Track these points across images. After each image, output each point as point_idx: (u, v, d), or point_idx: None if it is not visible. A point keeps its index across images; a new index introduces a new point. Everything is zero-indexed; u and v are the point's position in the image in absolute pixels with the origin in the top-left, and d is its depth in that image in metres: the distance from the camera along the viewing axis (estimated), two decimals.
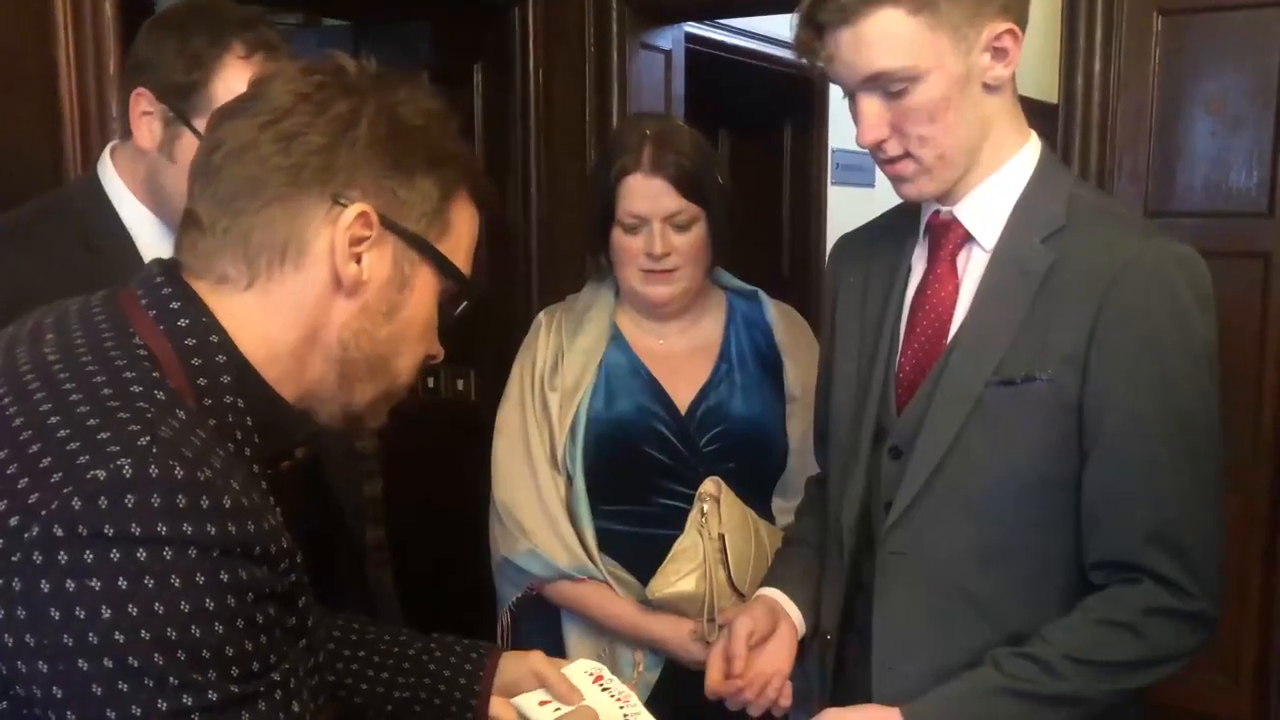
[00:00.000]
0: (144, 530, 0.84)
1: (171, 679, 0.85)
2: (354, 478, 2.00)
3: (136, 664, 0.84)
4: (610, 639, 1.96)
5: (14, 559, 0.84)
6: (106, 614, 0.83)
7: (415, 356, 1.09)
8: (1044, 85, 2.82)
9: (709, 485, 1.88)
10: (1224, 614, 1.38)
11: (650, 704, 1.87)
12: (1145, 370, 1.32)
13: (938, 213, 1.46)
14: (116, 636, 0.83)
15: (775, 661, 1.56)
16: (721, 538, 1.85)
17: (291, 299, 1.01)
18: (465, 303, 1.11)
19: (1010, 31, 1.35)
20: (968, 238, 1.44)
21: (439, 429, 3.37)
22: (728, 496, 1.87)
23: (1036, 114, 1.67)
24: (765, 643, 1.57)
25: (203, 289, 1.01)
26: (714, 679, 1.55)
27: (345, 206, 0.99)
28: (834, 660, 1.58)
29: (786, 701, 1.56)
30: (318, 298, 1.01)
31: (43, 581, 0.83)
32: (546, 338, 2.05)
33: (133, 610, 0.83)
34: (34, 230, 1.58)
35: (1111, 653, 1.33)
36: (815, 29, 1.36)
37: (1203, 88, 2.52)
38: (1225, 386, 1.40)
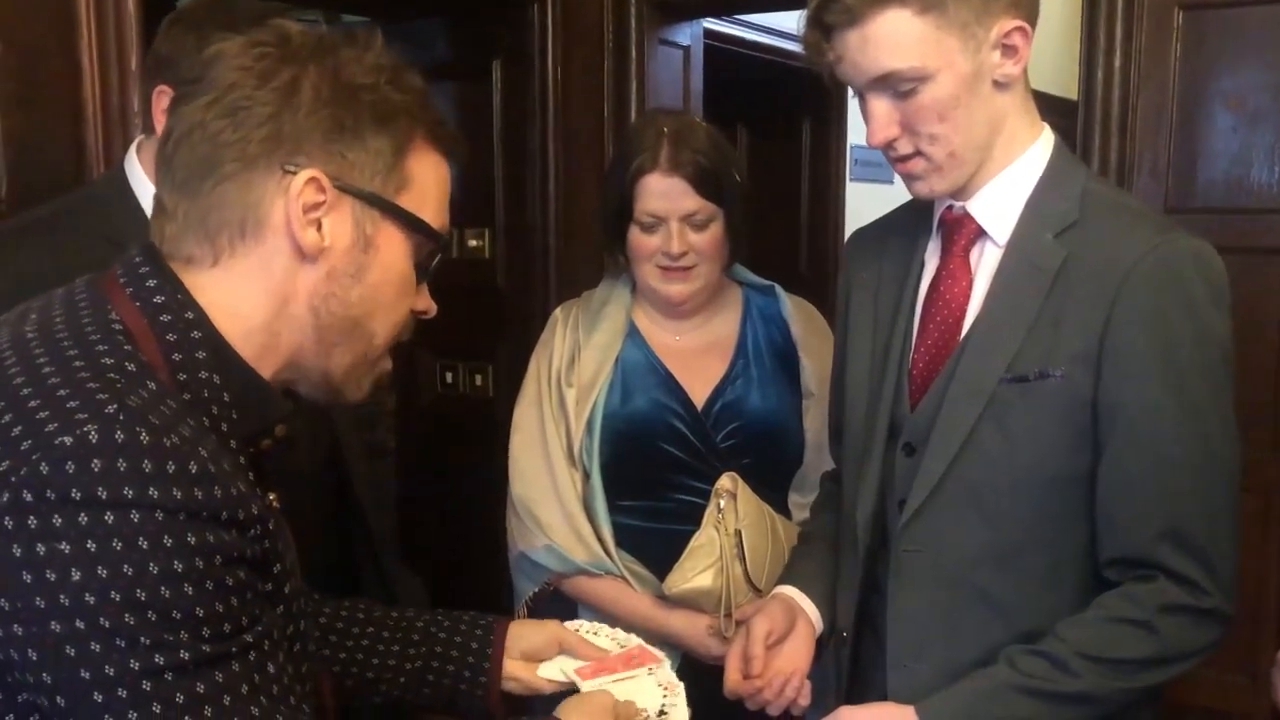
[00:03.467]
0: (110, 494, 0.85)
1: (143, 639, 0.87)
2: (376, 472, 2.02)
3: (108, 625, 0.86)
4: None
5: None
6: (77, 576, 0.85)
7: (391, 315, 1.09)
8: (1064, 81, 2.82)
9: (725, 481, 1.88)
10: (1237, 612, 1.37)
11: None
12: (1158, 366, 1.32)
13: (951, 208, 1.46)
14: (87, 598, 0.85)
15: (793, 661, 1.55)
16: (738, 533, 1.85)
17: (257, 272, 1.02)
18: (439, 256, 1.10)
19: (1020, 28, 1.34)
20: (981, 233, 1.44)
21: (457, 424, 3.39)
22: (744, 492, 1.87)
23: (1057, 110, 1.66)
24: (783, 642, 1.57)
25: (177, 270, 1.03)
26: (732, 679, 1.54)
27: (294, 174, 0.99)
28: (849, 657, 1.58)
29: (805, 701, 1.55)
30: (283, 269, 1.02)
31: (14, 546, 0.85)
32: (563, 334, 2.06)
33: (102, 572, 0.85)
34: (59, 225, 1.59)
35: (1126, 650, 1.33)
36: (823, 30, 1.36)
37: (1223, 84, 2.51)
38: (1244, 383, 1.40)
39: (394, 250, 1.06)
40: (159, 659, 0.87)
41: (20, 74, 1.93)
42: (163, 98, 1.55)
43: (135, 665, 0.87)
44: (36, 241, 1.56)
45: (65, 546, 0.85)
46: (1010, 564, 1.39)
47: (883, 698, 1.45)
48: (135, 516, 0.86)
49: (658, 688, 1.36)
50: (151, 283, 1.01)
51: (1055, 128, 1.47)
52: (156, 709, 0.88)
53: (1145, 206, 1.54)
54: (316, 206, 1.01)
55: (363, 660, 1.37)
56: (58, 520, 0.85)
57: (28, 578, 0.85)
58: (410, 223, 1.06)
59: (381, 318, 1.08)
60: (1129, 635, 1.33)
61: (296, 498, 1.75)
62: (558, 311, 2.12)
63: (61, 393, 0.90)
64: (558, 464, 1.98)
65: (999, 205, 1.42)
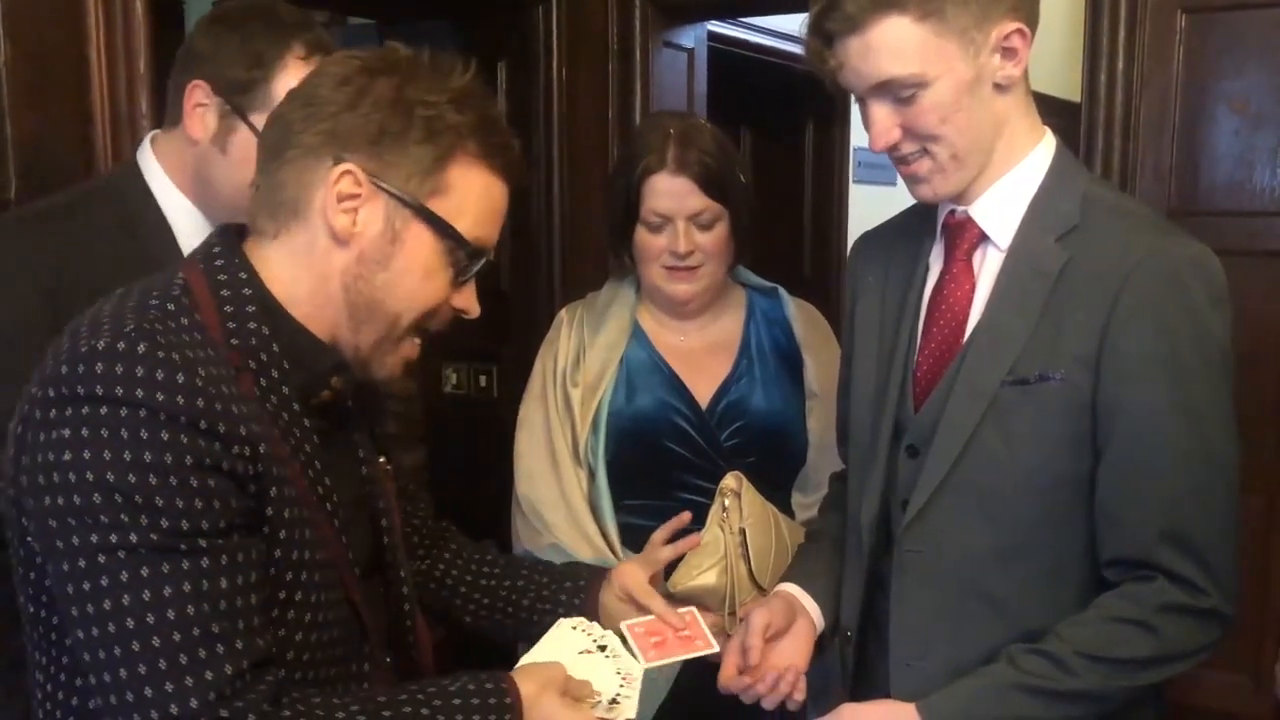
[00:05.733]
0: (106, 390, 1.01)
1: (102, 517, 1.01)
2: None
3: (78, 501, 1.01)
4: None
5: (30, 418, 1.05)
6: (67, 456, 1.01)
7: (414, 303, 1.19)
8: (1067, 83, 2.82)
9: (730, 480, 1.88)
10: (1238, 612, 1.38)
11: (669, 697, 1.89)
12: (1158, 369, 1.33)
13: (953, 212, 1.47)
14: (71, 476, 1.01)
15: (789, 656, 1.56)
16: (742, 532, 1.86)
17: (303, 248, 1.16)
18: (473, 262, 1.20)
19: (1019, 31, 1.36)
20: (983, 237, 1.45)
21: (461, 424, 3.40)
22: (749, 491, 1.88)
23: (1060, 112, 1.67)
24: (781, 637, 1.58)
25: (249, 243, 1.19)
26: (727, 673, 1.55)
27: (337, 165, 1.13)
28: (854, 656, 1.59)
29: (800, 696, 1.55)
30: (323, 248, 1.16)
31: (40, 433, 1.03)
32: (568, 334, 2.07)
33: (87, 454, 1.01)
34: (76, 213, 1.63)
35: (1125, 650, 1.34)
36: (824, 38, 1.37)
37: (1226, 86, 2.51)
38: (1247, 386, 1.40)
39: (420, 247, 1.17)
40: (112, 537, 1.01)
41: (29, 75, 1.94)
42: (197, 91, 1.59)
43: (94, 539, 1.01)
44: (55, 228, 1.59)
45: (67, 431, 1.02)
46: (1012, 564, 1.40)
47: (886, 696, 1.46)
48: (123, 412, 1.01)
49: (615, 675, 1.37)
50: (216, 249, 1.17)
51: (1058, 130, 1.48)
52: (104, 581, 1.01)
53: (1146, 210, 1.54)
54: (353, 197, 1.14)
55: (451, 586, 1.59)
56: (68, 411, 1.02)
57: (40, 458, 1.03)
58: (438, 225, 1.16)
59: (405, 303, 1.19)
60: (1128, 635, 1.34)
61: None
62: (563, 312, 2.14)
63: (104, 320, 1.07)
64: (563, 463, 1.99)
65: (1001, 209, 1.43)
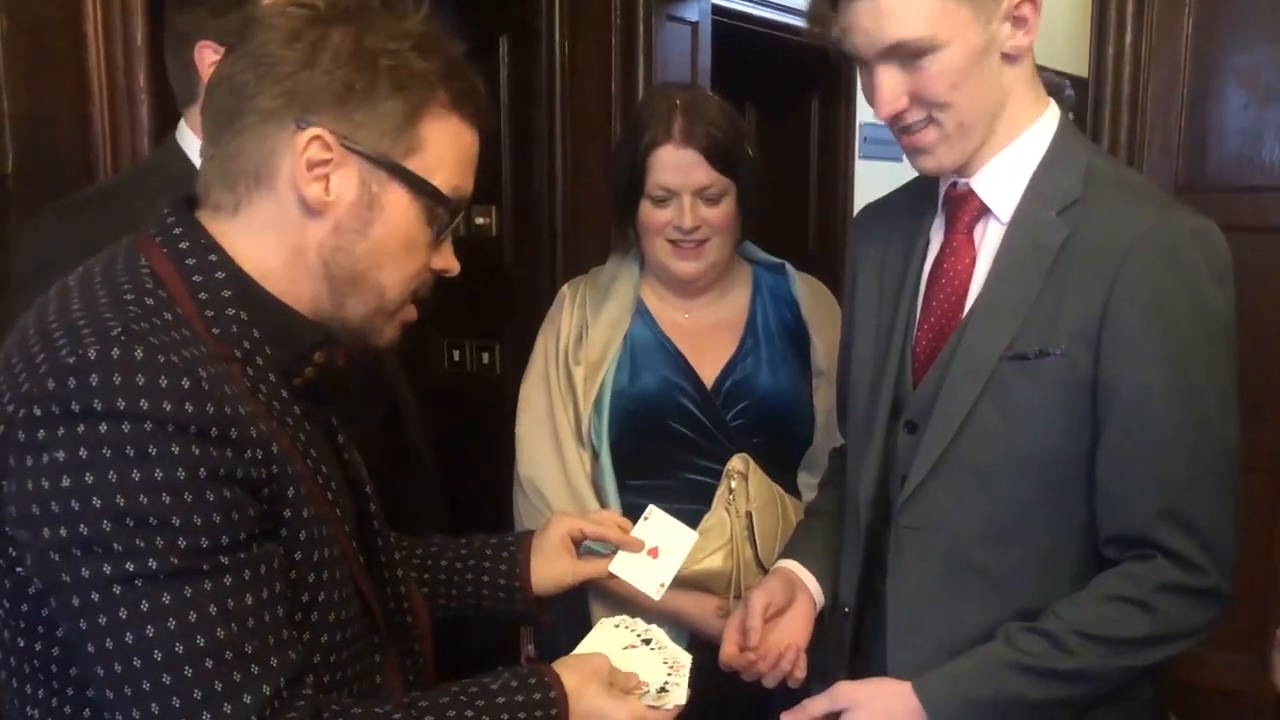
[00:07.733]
0: (105, 405, 0.92)
1: (116, 545, 0.92)
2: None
3: (86, 531, 0.92)
4: (635, 614, 1.96)
5: (10, 441, 0.94)
6: (66, 482, 0.92)
7: (400, 271, 1.12)
8: (1075, 58, 2.80)
9: (736, 462, 1.87)
10: (1238, 590, 1.37)
11: None
12: (1157, 346, 1.31)
13: (955, 184, 1.45)
14: (72, 504, 0.92)
15: (790, 634, 1.56)
16: (749, 515, 1.85)
17: (270, 222, 1.08)
18: (453, 219, 1.14)
19: (1030, 0, 1.34)
20: (985, 210, 1.43)
21: (463, 402, 3.39)
22: (755, 474, 1.87)
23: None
24: (781, 615, 1.57)
25: (205, 218, 1.09)
26: (728, 651, 1.55)
27: (303, 131, 1.04)
28: (852, 633, 1.58)
29: (801, 674, 1.55)
30: (294, 220, 1.07)
31: (28, 457, 0.93)
32: (570, 311, 2.05)
33: (89, 479, 0.92)
34: (120, 196, 1.61)
35: (1122, 629, 1.33)
36: (830, 1, 1.35)
37: (1235, 61, 2.50)
38: (1257, 363, 1.39)
39: (400, 210, 1.09)
40: (130, 565, 0.92)
41: (26, 49, 1.93)
42: (206, 51, 1.56)
43: (107, 570, 0.92)
44: (96, 216, 1.57)
45: (61, 454, 0.92)
46: (1009, 542, 1.39)
47: (884, 672, 1.45)
48: (126, 427, 0.92)
49: (663, 665, 1.37)
50: (177, 230, 1.07)
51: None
52: (123, 614, 0.93)
53: (1150, 184, 1.52)
54: (323, 163, 1.05)
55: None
56: (60, 431, 0.92)
57: (30, 485, 0.93)
58: (417, 185, 1.09)
59: (390, 272, 1.11)
60: (1126, 614, 1.33)
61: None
62: (565, 288, 2.11)
63: (80, 322, 0.97)
64: (565, 443, 1.97)
65: (1002, 182, 1.42)
